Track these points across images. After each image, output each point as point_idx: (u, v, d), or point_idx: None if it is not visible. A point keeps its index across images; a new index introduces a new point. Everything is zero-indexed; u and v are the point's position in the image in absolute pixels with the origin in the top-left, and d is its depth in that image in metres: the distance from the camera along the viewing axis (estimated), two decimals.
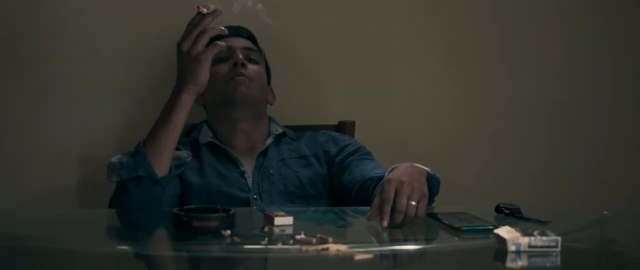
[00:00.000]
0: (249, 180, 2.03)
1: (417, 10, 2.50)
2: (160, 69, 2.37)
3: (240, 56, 2.11)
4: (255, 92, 2.10)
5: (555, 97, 2.57)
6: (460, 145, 2.53)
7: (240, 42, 2.17)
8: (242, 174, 2.04)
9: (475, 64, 2.54)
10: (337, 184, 2.05)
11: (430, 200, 1.72)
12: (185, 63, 1.83)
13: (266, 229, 1.47)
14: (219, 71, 2.11)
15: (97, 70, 2.34)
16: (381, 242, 1.47)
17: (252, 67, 2.12)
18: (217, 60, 2.13)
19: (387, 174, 1.66)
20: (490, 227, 1.47)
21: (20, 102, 2.30)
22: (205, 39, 1.81)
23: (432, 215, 1.61)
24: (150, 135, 1.86)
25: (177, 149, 2.02)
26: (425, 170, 1.69)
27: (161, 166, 1.83)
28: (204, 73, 1.83)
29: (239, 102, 2.08)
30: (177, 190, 1.96)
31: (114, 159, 1.85)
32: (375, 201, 1.58)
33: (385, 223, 1.53)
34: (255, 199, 2.00)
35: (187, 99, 1.85)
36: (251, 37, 2.21)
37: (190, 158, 1.93)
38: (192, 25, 1.80)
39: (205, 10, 1.65)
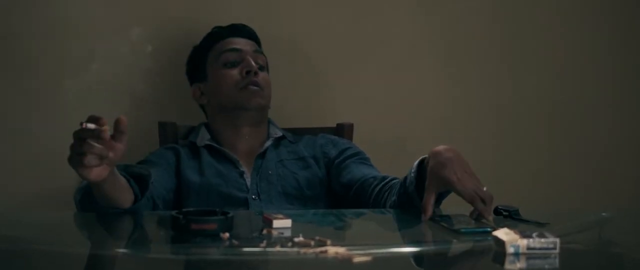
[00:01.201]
0: (248, 181, 2.03)
1: (416, 10, 2.51)
2: (160, 70, 2.37)
3: (253, 63, 2.10)
4: (267, 101, 2.11)
5: (555, 97, 2.58)
6: (460, 146, 2.52)
7: (248, 45, 2.15)
8: (241, 174, 2.04)
9: (475, 64, 2.54)
10: (335, 183, 2.05)
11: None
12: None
13: (265, 231, 1.46)
14: (230, 76, 2.09)
15: (97, 71, 2.34)
16: (380, 245, 1.46)
17: (262, 75, 2.11)
18: (227, 64, 2.11)
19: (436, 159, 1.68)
20: (488, 229, 1.47)
21: (19, 102, 2.30)
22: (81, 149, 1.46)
23: (430, 218, 1.61)
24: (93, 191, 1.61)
25: (164, 155, 2.02)
26: None
27: (120, 201, 1.63)
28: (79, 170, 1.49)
29: (251, 111, 2.08)
30: (171, 185, 1.97)
31: (77, 196, 1.70)
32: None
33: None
34: (254, 199, 2.00)
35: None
36: (257, 39, 2.20)
37: (150, 175, 1.71)
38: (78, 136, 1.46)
39: (89, 125, 1.45)
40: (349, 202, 2.00)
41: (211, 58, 2.16)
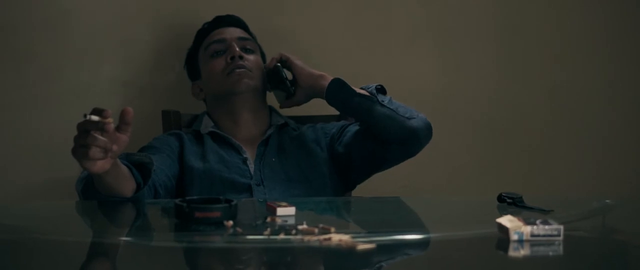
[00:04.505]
0: (251, 167, 2.04)
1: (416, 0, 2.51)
2: (160, 59, 2.37)
3: (237, 48, 2.11)
4: (256, 82, 2.12)
5: (555, 82, 2.57)
6: (461, 134, 2.53)
7: (233, 32, 2.17)
8: (244, 160, 2.05)
9: (474, 52, 2.54)
10: (338, 147, 2.08)
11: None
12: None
13: (268, 219, 1.46)
14: (217, 65, 2.12)
15: (97, 62, 2.35)
16: (383, 232, 1.47)
17: (249, 57, 2.12)
18: (213, 55, 2.13)
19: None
20: None
21: (20, 93, 2.30)
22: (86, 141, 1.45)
23: None
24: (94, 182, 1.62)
25: (169, 142, 2.03)
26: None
27: (122, 190, 1.63)
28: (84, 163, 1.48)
29: (242, 94, 2.09)
30: (173, 171, 1.97)
31: (79, 185, 1.71)
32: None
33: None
34: (257, 185, 2.00)
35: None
36: (242, 25, 2.21)
37: (153, 163, 1.70)
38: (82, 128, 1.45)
39: (93, 117, 1.40)
40: (353, 170, 2.06)
41: (201, 54, 2.19)
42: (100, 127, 1.42)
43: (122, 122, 1.47)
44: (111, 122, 1.43)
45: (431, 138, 2.00)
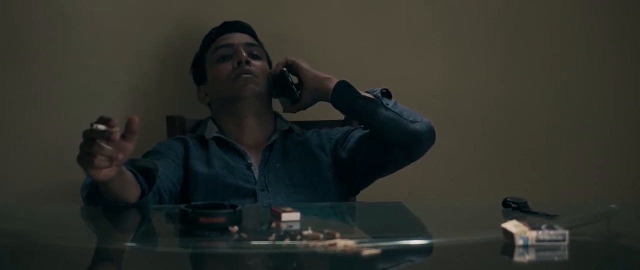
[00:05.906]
0: (256, 173, 2.04)
1: (420, 3, 2.51)
2: (166, 63, 2.37)
3: (244, 53, 2.11)
4: (262, 88, 2.12)
5: (557, 85, 2.57)
6: (465, 138, 2.53)
7: (240, 38, 2.18)
8: (249, 166, 2.05)
9: (476, 53, 2.54)
10: (342, 153, 2.08)
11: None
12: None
13: (273, 224, 1.46)
14: (223, 70, 2.12)
15: (100, 65, 2.34)
16: (388, 237, 1.46)
17: (255, 63, 2.13)
18: (220, 59, 2.14)
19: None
20: None
21: (21, 94, 2.30)
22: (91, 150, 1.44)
23: None
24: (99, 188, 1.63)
25: (171, 145, 2.03)
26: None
27: (127, 196, 1.64)
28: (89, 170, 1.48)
29: (247, 99, 2.09)
30: (178, 176, 1.97)
31: (84, 191, 1.71)
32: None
33: None
34: (262, 190, 2.00)
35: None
36: (250, 31, 2.22)
37: (157, 168, 1.71)
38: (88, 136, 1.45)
39: (99, 127, 1.40)
40: (357, 175, 2.06)
41: (208, 58, 2.19)
42: (106, 136, 1.42)
43: (128, 131, 1.47)
44: (118, 132, 1.43)
45: (434, 142, 2.01)
